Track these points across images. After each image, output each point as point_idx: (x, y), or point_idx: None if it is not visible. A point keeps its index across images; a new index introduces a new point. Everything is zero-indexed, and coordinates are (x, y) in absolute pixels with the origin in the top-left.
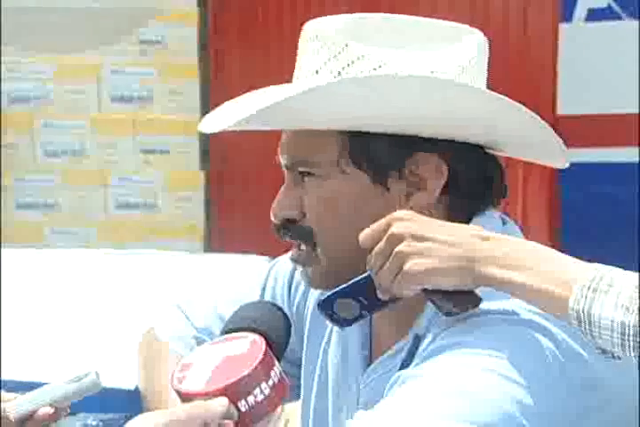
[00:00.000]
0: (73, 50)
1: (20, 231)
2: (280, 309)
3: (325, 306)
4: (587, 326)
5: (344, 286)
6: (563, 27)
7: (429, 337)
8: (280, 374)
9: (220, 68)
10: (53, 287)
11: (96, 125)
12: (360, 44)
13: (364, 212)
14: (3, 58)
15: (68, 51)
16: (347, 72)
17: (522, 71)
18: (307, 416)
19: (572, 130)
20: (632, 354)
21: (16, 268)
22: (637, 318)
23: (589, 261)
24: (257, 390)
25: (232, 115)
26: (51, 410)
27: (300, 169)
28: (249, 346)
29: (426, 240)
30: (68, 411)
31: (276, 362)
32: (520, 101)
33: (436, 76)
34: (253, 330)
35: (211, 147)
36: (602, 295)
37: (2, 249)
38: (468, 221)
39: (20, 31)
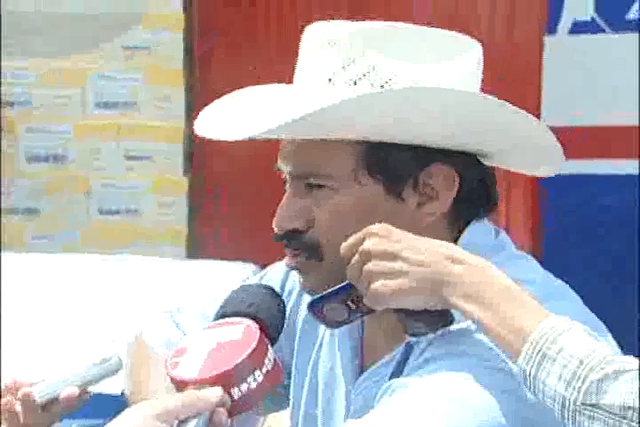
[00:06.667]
0: (58, 54)
1: (1, 236)
2: (275, 292)
3: (315, 308)
4: (531, 387)
5: (331, 289)
6: (547, 39)
7: (421, 346)
8: (274, 360)
9: (205, 73)
10: (37, 292)
11: (80, 131)
12: (374, 54)
13: (374, 222)
14: None
15: (53, 55)
16: (362, 83)
17: (507, 81)
18: (296, 423)
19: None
20: (570, 426)
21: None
22: (576, 396)
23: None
24: (250, 378)
25: (250, 121)
26: (76, 391)
27: (311, 180)
28: (243, 332)
29: (395, 259)
30: (90, 392)
31: (270, 348)
32: None
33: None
34: (248, 315)
35: (194, 152)
36: (549, 363)
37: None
38: (462, 230)
39: (5, 36)
